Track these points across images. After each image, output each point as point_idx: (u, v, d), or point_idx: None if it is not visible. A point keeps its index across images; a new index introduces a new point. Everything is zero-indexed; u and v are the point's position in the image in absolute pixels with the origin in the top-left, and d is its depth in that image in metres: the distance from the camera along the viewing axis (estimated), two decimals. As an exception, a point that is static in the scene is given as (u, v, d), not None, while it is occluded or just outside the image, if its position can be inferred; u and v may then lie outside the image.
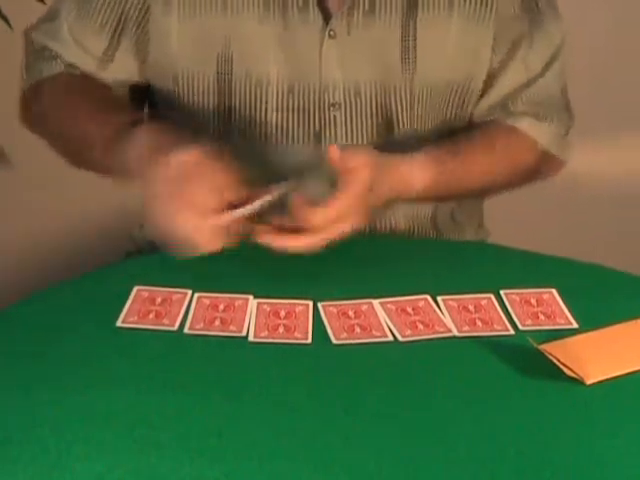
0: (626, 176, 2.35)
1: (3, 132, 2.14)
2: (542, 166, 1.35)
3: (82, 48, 1.28)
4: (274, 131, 1.24)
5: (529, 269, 1.15)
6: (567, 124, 1.36)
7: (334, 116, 1.24)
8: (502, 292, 1.07)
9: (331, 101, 1.23)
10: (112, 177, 1.22)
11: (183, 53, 1.23)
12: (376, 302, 1.05)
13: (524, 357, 0.98)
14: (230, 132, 1.25)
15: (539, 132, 1.32)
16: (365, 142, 1.25)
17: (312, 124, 1.24)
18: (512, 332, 1.02)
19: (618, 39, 2.22)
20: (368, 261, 1.15)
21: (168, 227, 1.03)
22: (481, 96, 1.31)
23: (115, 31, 1.26)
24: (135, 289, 1.06)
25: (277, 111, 1.23)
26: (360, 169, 1.09)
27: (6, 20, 1.92)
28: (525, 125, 1.31)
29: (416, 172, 1.18)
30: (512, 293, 1.07)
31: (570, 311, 1.05)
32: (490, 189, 1.33)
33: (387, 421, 0.89)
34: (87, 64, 1.28)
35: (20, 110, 1.35)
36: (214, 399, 0.91)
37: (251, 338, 0.99)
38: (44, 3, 1.94)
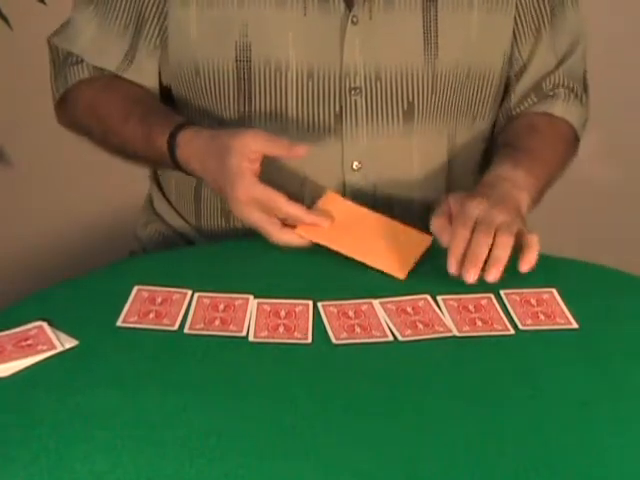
0: (626, 175, 2.35)
1: (3, 132, 2.15)
2: (575, 145, 1.39)
3: (104, 51, 1.30)
4: (294, 115, 1.25)
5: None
6: (586, 108, 1.40)
7: (355, 100, 1.25)
8: (502, 292, 1.07)
9: (352, 85, 1.24)
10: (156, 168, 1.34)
11: (202, 43, 1.25)
12: (376, 302, 1.05)
13: (524, 357, 0.98)
14: (251, 117, 1.26)
15: (570, 115, 1.36)
16: (386, 127, 1.26)
17: (332, 108, 1.25)
18: (512, 332, 1.02)
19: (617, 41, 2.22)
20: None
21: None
22: (514, 83, 1.35)
23: (135, 31, 1.29)
24: (135, 289, 1.06)
25: (297, 95, 1.24)
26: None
27: (6, 20, 1.92)
28: (558, 109, 1.35)
29: (524, 198, 1.19)
30: (512, 293, 1.07)
31: (570, 311, 1.05)
32: (554, 181, 1.35)
33: (387, 421, 0.89)
34: (109, 67, 1.31)
35: (57, 116, 1.38)
36: (214, 399, 0.91)
37: (251, 338, 0.99)
38: (44, 3, 1.95)
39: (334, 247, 1.12)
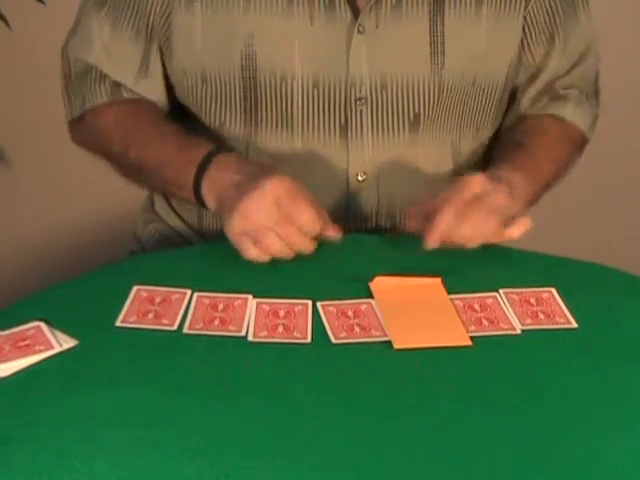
0: (626, 175, 2.35)
1: (3, 132, 2.15)
2: (582, 148, 1.41)
3: (120, 59, 1.28)
4: (299, 125, 1.25)
5: (529, 269, 1.15)
6: (597, 110, 1.41)
7: (360, 110, 1.24)
8: (502, 291, 1.07)
9: (357, 95, 1.24)
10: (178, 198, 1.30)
11: (208, 50, 1.24)
12: (375, 302, 1.05)
13: (523, 356, 0.98)
14: (256, 127, 1.26)
15: (580, 118, 1.37)
16: (391, 137, 1.26)
17: (338, 118, 1.25)
18: (519, 332, 1.02)
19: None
20: (367, 261, 1.15)
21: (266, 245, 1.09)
22: (525, 88, 1.36)
23: (146, 38, 1.27)
24: (134, 289, 1.06)
25: (302, 105, 1.24)
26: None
27: (5, 20, 1.92)
28: (568, 112, 1.36)
29: (518, 203, 1.18)
30: (511, 292, 1.07)
31: (570, 310, 1.05)
32: (554, 183, 1.36)
33: (386, 421, 0.89)
34: (126, 76, 1.29)
35: (70, 132, 1.36)
36: (214, 399, 0.91)
37: (250, 338, 0.99)
38: (43, 3, 1.95)
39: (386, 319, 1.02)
